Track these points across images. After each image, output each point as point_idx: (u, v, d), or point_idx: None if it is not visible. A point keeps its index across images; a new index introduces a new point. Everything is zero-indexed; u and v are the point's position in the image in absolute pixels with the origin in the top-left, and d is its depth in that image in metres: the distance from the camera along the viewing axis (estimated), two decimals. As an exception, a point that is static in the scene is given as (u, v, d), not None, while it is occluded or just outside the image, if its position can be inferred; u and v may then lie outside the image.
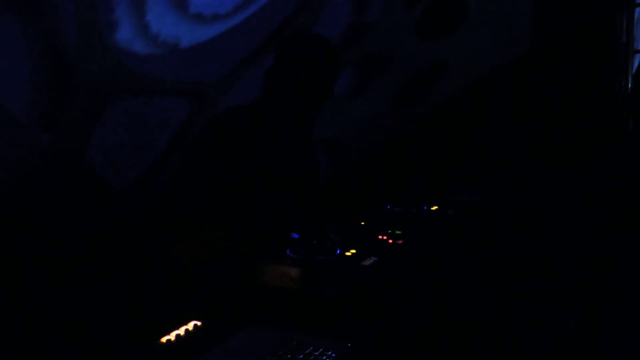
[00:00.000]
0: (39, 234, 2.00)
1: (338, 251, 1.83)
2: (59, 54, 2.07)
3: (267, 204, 1.98)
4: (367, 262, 1.77)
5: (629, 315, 1.91)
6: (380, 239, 2.03)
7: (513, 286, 1.93)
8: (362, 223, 2.22)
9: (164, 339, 1.34)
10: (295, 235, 1.90)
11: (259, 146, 1.95)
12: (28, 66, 2.00)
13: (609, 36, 3.52)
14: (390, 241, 2.01)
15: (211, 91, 2.56)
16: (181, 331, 1.38)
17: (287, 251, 1.78)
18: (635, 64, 3.54)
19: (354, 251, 1.85)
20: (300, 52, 1.94)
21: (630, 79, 3.48)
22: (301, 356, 1.32)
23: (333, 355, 1.33)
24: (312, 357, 1.32)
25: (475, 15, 3.42)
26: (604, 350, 1.73)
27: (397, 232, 2.09)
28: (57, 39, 2.04)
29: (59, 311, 1.64)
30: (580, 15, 3.50)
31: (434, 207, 2.46)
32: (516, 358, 1.60)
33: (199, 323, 1.42)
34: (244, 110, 2.03)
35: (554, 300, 1.90)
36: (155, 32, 2.33)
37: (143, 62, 2.29)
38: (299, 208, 2.12)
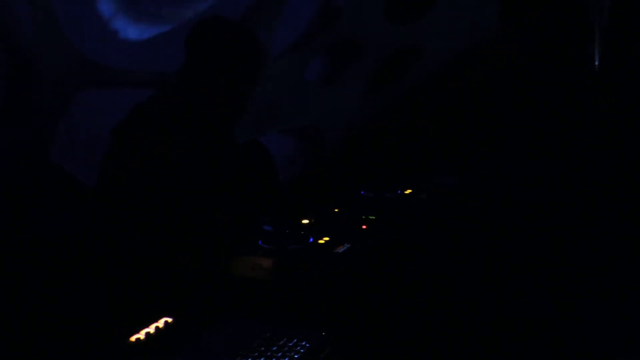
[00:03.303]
0: (4, 234, 1.95)
1: (311, 239, 1.82)
2: (15, 48, 2.01)
3: (236, 194, 1.95)
4: (341, 250, 1.76)
5: (600, 294, 1.93)
6: (354, 225, 2.02)
7: (488, 268, 1.94)
8: (336, 210, 2.20)
9: (133, 338, 1.31)
10: (268, 228, 1.88)
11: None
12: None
13: (577, 13, 3.53)
14: (364, 227, 1.99)
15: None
16: (151, 329, 1.35)
17: (259, 242, 1.76)
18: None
19: (327, 239, 1.84)
20: (210, 38, 1.88)
21: (597, 57, 3.51)
22: (275, 348, 1.31)
23: (307, 345, 1.32)
24: (286, 348, 1.31)
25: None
26: (575, 333, 1.75)
27: (371, 217, 2.08)
28: (12, 33, 1.98)
29: (25, 313, 1.60)
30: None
31: (408, 191, 2.45)
32: (491, 339, 1.60)
33: (169, 319, 1.39)
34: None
35: (526, 280, 1.91)
36: (117, 23, 2.27)
37: (105, 54, 2.24)
38: (270, 197, 2.09)
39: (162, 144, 1.81)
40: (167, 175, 1.79)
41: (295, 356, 1.28)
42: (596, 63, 3.48)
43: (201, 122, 1.91)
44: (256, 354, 1.29)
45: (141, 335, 1.32)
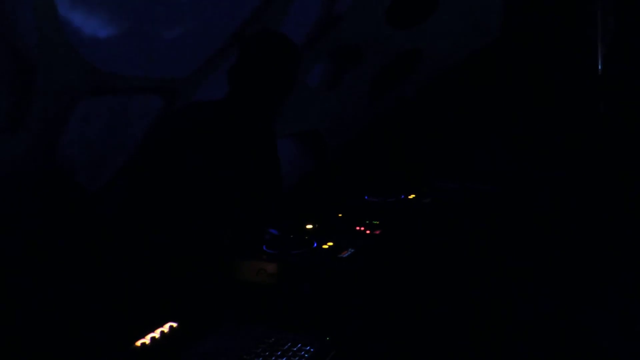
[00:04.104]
0: (10, 237, 1.96)
1: (315, 244, 1.82)
2: (20, 54, 2.02)
3: (241, 199, 1.96)
4: (345, 254, 1.76)
5: (607, 299, 1.93)
6: (357, 230, 2.02)
7: (491, 273, 1.94)
8: (340, 215, 2.21)
9: (138, 343, 1.32)
10: (274, 231, 1.88)
11: (225, 143, 1.94)
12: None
13: (579, 18, 3.54)
14: (368, 232, 2.00)
15: (181, 87, 2.53)
16: (156, 333, 1.35)
17: (263, 247, 1.76)
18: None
19: (331, 244, 1.84)
20: (263, 49, 1.97)
21: (600, 61, 3.51)
22: (279, 352, 1.31)
23: (312, 350, 1.32)
24: (290, 353, 1.31)
25: (446, 1, 3.42)
26: (580, 334, 1.74)
27: (375, 222, 2.08)
28: (17, 39, 1.99)
29: (30, 317, 1.60)
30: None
31: (411, 196, 2.45)
32: (495, 344, 1.60)
33: (174, 324, 1.39)
34: (206, 106, 2.03)
35: (530, 285, 1.91)
36: (121, 29, 2.28)
37: (110, 60, 2.25)
38: (274, 203, 2.10)
39: (182, 152, 1.84)
40: (176, 181, 1.80)
41: (300, 361, 1.28)
42: (599, 67, 3.49)
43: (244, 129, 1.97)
44: (260, 358, 1.29)
45: (146, 340, 1.33)
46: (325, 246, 1.82)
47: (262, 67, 1.94)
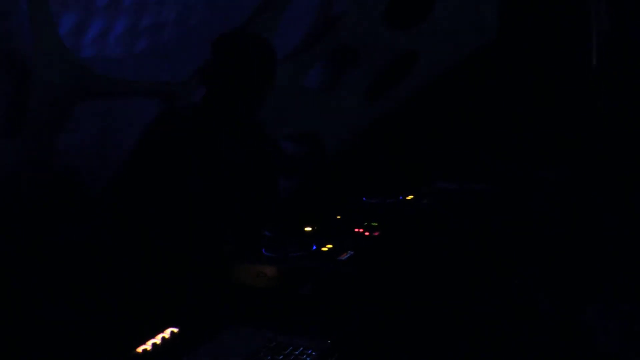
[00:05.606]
0: (9, 240, 1.96)
1: (314, 247, 1.82)
2: (16, 58, 2.03)
3: (239, 202, 1.96)
4: (344, 257, 1.76)
5: (607, 299, 1.94)
6: (356, 232, 2.02)
7: (490, 274, 1.94)
8: (338, 217, 2.21)
9: (140, 349, 1.32)
10: (268, 233, 1.88)
11: (206, 147, 1.93)
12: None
13: (574, 14, 3.55)
14: (367, 234, 2.00)
15: (179, 90, 2.53)
16: (157, 339, 1.36)
17: (262, 250, 1.77)
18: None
19: (330, 246, 1.84)
20: (235, 51, 1.95)
21: (595, 57, 3.52)
22: (281, 357, 1.31)
23: (313, 353, 1.32)
24: (292, 357, 1.31)
25: (443, 3, 3.43)
26: (576, 334, 1.75)
27: (374, 224, 2.08)
28: (13, 43, 2.00)
29: (32, 323, 1.60)
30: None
31: (410, 197, 2.45)
32: (495, 344, 1.61)
33: (175, 329, 1.40)
34: (187, 110, 2.02)
35: (530, 285, 1.92)
36: (118, 33, 2.29)
37: (108, 64, 2.25)
38: (272, 205, 2.10)
39: (172, 156, 1.84)
40: (172, 185, 1.81)
41: (302, 365, 1.28)
42: (594, 63, 3.49)
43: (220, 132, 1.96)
44: (262, 363, 1.29)
45: (147, 346, 1.33)
46: (324, 248, 1.82)
47: (235, 68, 1.92)
